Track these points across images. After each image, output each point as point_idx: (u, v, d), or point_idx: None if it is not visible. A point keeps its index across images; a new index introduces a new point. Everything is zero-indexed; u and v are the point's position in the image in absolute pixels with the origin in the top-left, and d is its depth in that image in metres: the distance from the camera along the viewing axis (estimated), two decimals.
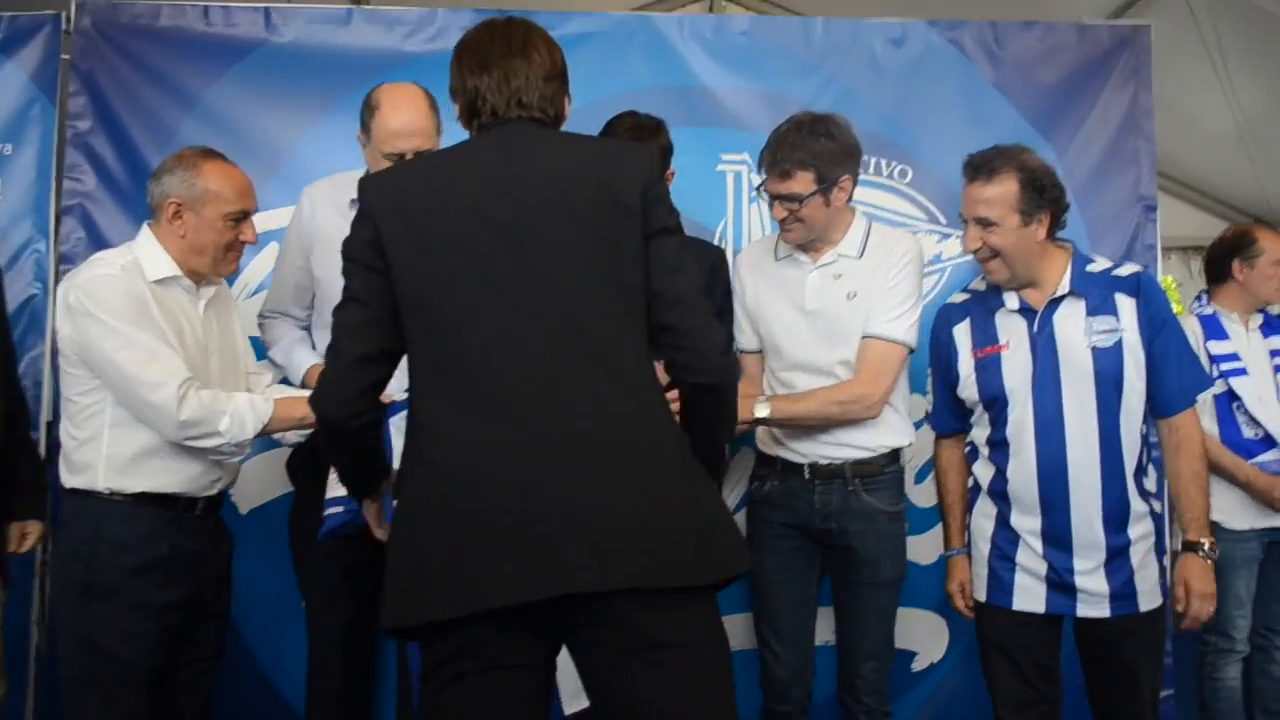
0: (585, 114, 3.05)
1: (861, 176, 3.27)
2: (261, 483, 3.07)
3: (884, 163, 3.37)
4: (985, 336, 2.56)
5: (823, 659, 2.88)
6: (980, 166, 2.48)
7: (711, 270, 2.88)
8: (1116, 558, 2.47)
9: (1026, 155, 2.50)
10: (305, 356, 2.84)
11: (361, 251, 1.88)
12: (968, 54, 3.40)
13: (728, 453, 2.53)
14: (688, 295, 1.88)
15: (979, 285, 2.65)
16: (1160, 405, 2.53)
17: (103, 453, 2.40)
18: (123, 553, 2.37)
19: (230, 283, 3.04)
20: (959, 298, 2.68)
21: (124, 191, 3.24)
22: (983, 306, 2.59)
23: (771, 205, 2.66)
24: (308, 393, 2.64)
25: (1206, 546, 2.51)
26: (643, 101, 3.25)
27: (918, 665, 3.31)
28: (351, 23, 3.33)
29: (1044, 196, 2.46)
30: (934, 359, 2.69)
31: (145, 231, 2.48)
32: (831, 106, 3.27)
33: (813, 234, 2.66)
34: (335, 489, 2.51)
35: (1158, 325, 2.48)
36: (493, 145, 1.89)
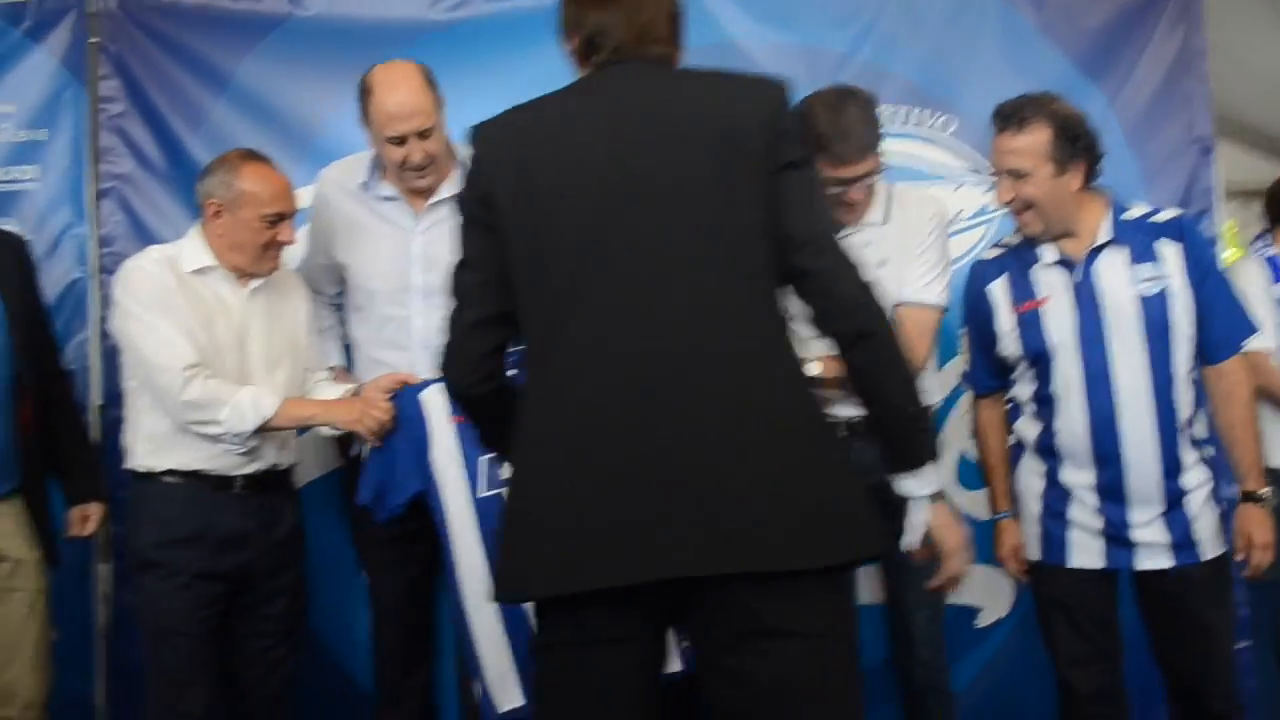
0: None
1: (902, 129, 3.24)
2: (315, 457, 3.05)
3: (925, 113, 3.26)
4: (1024, 291, 2.48)
5: (869, 620, 2.83)
6: (1010, 116, 2.40)
7: None
8: (1174, 508, 2.41)
9: (1058, 103, 2.41)
10: (328, 353, 2.87)
11: (473, 208, 1.78)
12: None
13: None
14: (818, 234, 1.72)
15: (1012, 239, 2.57)
16: (1207, 352, 2.45)
17: (140, 433, 2.58)
18: (155, 527, 2.56)
19: None
20: (993, 253, 2.60)
21: (160, 172, 3.24)
22: (1019, 261, 2.51)
23: (841, 193, 2.52)
24: (343, 387, 2.73)
25: (1265, 494, 2.45)
26: None
27: (982, 621, 3.24)
28: None
29: (1077, 145, 2.38)
30: (969, 318, 2.62)
31: (195, 227, 2.64)
32: (870, 58, 3.22)
33: (861, 213, 2.61)
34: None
35: (1204, 270, 2.42)
36: (610, 85, 1.76)
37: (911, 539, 1.90)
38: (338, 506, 3.00)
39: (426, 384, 2.61)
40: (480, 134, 1.79)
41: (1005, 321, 2.50)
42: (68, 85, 3.24)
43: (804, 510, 1.62)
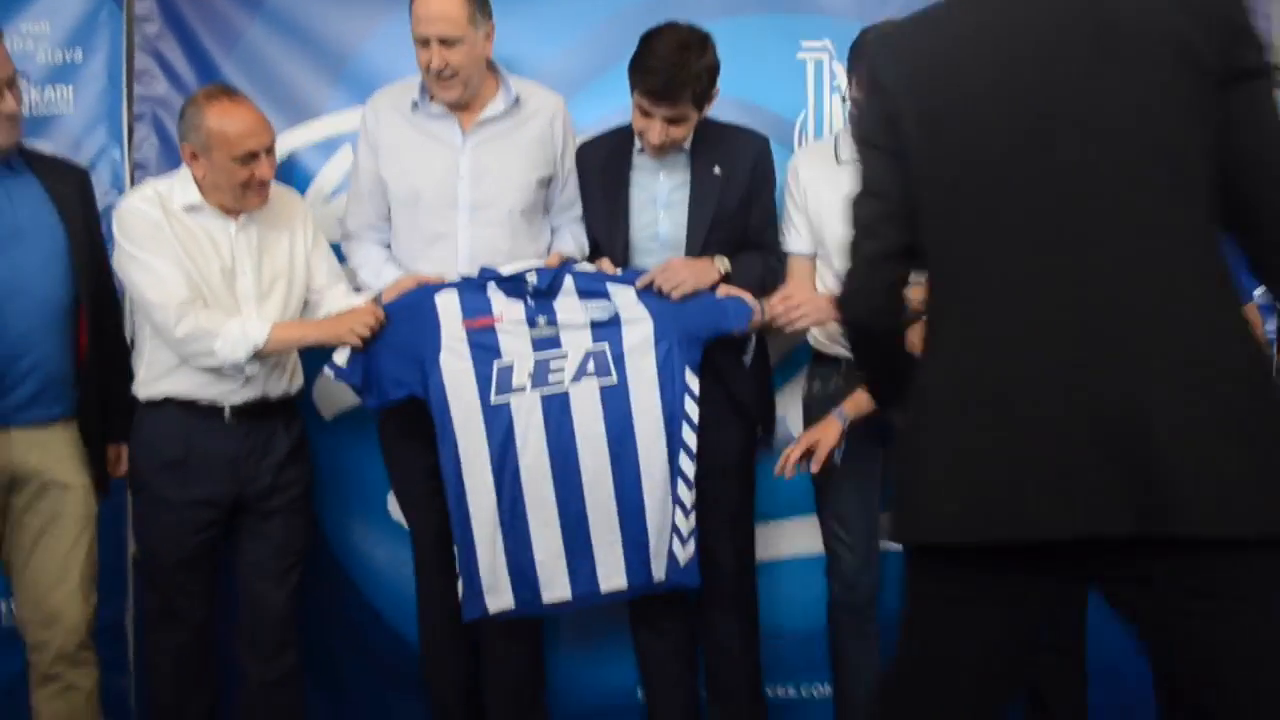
0: (654, 3, 2.92)
1: None
2: (346, 389, 3.05)
3: None
4: None
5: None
6: None
7: (757, 160, 2.81)
8: None
9: None
10: (394, 272, 2.83)
11: (876, 132, 1.64)
12: None
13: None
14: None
15: None
16: None
17: (144, 361, 2.68)
18: (148, 452, 2.67)
19: (303, 189, 3.06)
20: None
21: None
22: None
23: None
24: (359, 296, 2.74)
25: None
26: None
27: None
28: None
29: None
30: None
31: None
32: None
33: None
34: (341, 353, 2.64)
35: None
36: None
37: None
38: (365, 439, 3.00)
39: (443, 286, 2.66)
40: (877, 48, 1.67)
41: None
42: (103, 4, 3.18)
43: (1260, 474, 1.45)
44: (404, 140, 2.80)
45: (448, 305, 2.65)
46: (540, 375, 2.64)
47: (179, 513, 2.65)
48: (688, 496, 2.66)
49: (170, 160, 3.15)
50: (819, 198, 2.75)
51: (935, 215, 1.60)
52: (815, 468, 2.62)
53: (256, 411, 2.69)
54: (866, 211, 1.68)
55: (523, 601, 2.67)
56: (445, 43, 2.63)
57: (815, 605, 2.98)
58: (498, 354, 2.64)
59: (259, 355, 2.58)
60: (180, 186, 2.65)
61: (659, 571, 2.67)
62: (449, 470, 2.63)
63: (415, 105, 2.79)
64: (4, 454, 2.52)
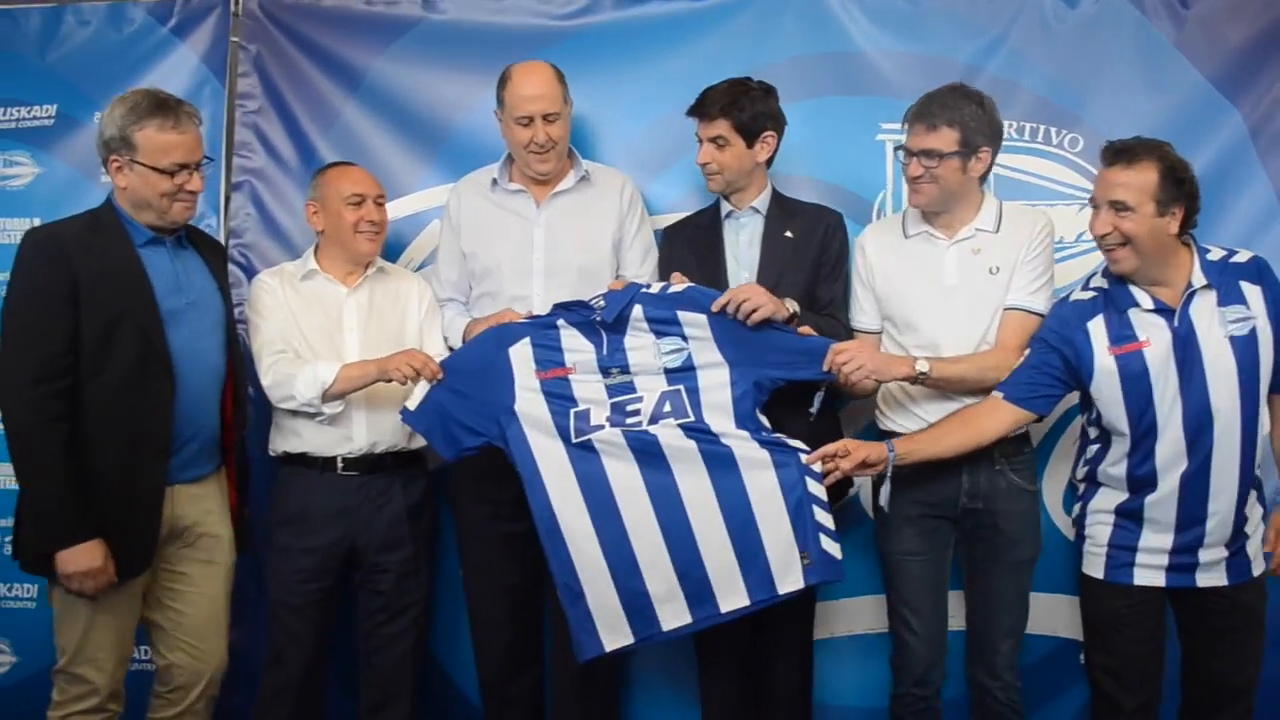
0: None
1: (1029, 145, 3.18)
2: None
3: (1053, 131, 3.17)
4: (1121, 334, 2.51)
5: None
6: (1121, 151, 2.47)
7: (828, 229, 2.89)
8: (1237, 540, 2.53)
9: (1167, 148, 2.47)
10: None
11: None
12: (1146, 11, 3.16)
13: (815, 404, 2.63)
14: None
15: (1101, 282, 2.59)
16: (1273, 384, 2.53)
17: (272, 420, 2.89)
18: (273, 508, 2.88)
19: (395, 259, 3.17)
20: (1086, 295, 2.60)
21: (290, 169, 3.35)
22: (1113, 304, 2.53)
23: (908, 164, 2.68)
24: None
25: None
26: (798, 69, 3.19)
27: None
28: None
29: (1181, 189, 2.43)
30: (1053, 344, 2.57)
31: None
32: (999, 71, 3.17)
33: (941, 200, 2.69)
34: (413, 399, 2.70)
35: None
36: None
37: None
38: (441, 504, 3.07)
39: (514, 336, 2.71)
40: None
41: (1103, 361, 2.52)
42: (207, 81, 3.35)
43: None
44: (484, 215, 2.98)
45: (521, 357, 2.70)
46: (618, 417, 2.66)
47: (293, 561, 2.82)
48: (821, 491, 2.57)
49: (266, 229, 3.31)
50: (886, 272, 2.79)
51: None
52: (846, 466, 2.54)
53: (369, 465, 2.83)
54: None
55: (642, 634, 2.59)
56: (548, 118, 2.85)
57: (878, 684, 2.98)
58: (573, 401, 2.67)
59: (332, 394, 2.73)
60: (302, 260, 2.97)
61: (789, 582, 2.56)
62: (543, 516, 2.59)
63: (494, 183, 2.99)
64: (170, 509, 2.60)
